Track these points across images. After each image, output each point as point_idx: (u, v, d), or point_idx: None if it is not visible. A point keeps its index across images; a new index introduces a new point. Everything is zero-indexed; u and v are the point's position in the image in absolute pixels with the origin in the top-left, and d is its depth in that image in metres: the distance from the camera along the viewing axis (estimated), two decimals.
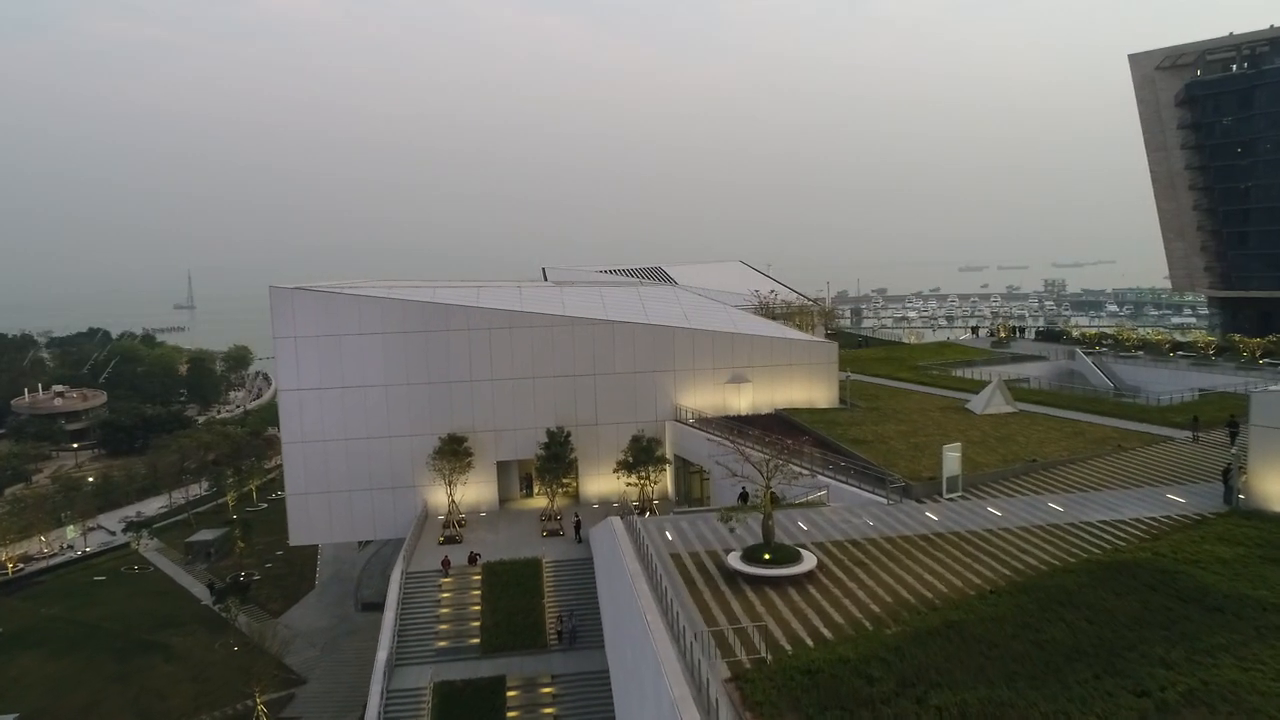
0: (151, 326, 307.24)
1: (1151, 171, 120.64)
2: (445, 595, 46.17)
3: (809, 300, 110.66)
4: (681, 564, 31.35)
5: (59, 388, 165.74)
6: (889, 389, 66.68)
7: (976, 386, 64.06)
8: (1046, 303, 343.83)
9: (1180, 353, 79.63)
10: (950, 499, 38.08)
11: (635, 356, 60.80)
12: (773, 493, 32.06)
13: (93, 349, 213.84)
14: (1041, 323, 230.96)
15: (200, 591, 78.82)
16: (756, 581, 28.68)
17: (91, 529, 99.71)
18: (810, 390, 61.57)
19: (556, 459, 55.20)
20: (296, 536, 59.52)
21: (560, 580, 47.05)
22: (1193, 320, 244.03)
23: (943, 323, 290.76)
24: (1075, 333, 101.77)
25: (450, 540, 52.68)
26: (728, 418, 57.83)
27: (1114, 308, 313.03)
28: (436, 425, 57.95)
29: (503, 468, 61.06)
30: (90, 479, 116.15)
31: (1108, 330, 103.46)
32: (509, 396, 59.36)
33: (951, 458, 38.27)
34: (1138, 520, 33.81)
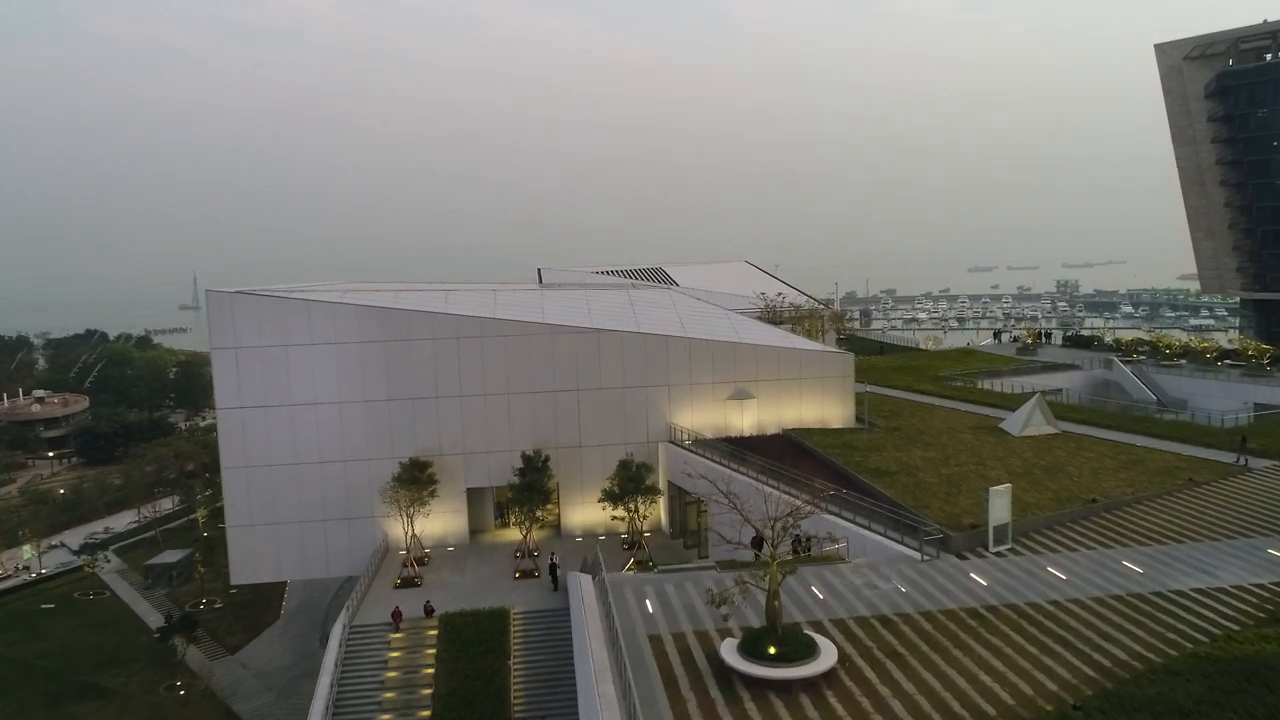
0: (153, 328, 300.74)
1: (1179, 167, 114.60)
2: (394, 655, 39.36)
3: (818, 303, 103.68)
4: (662, 651, 24.55)
5: (39, 393, 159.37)
6: (910, 404, 59.75)
7: (1009, 402, 57.17)
8: (1059, 304, 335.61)
9: (1228, 361, 72.48)
10: (999, 553, 31.18)
11: (624, 369, 53.87)
12: (794, 543, 25.34)
13: (86, 351, 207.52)
14: (1055, 324, 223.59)
15: (156, 621, 72.13)
16: (758, 685, 21.86)
17: (54, 546, 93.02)
18: (823, 408, 54.48)
19: (532, 488, 48.11)
20: (239, 574, 52.87)
21: (531, 637, 40.09)
22: (1211, 322, 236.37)
23: (954, 324, 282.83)
24: (1108, 338, 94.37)
25: (408, 583, 45.78)
26: (728, 439, 50.90)
27: (1129, 309, 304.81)
28: (398, 448, 51.15)
29: (474, 495, 54.14)
30: (61, 491, 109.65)
31: (1144, 336, 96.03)
32: (480, 415, 52.45)
33: (999, 503, 31.37)
34: (1240, 588, 26.91)
